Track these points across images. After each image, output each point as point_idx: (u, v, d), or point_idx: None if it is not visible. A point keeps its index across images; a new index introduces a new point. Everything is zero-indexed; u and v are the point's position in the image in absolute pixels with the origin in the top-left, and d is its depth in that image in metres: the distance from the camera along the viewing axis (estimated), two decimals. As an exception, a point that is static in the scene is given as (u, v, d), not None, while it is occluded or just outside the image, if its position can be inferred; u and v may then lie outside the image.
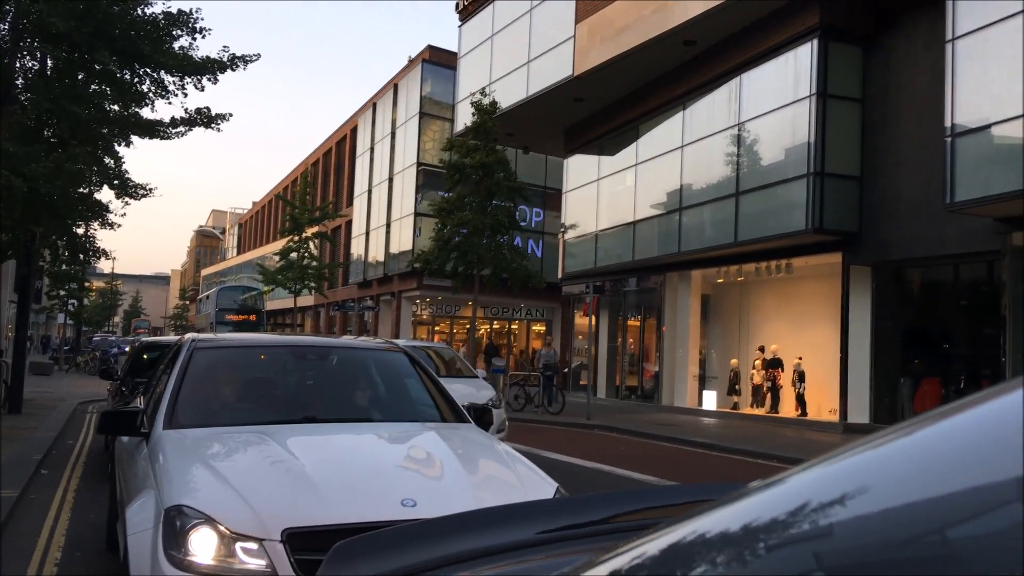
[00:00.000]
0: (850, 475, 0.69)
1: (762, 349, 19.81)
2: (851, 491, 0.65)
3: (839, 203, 16.32)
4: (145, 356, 11.53)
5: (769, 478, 0.78)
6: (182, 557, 3.03)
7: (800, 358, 18.55)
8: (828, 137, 16.21)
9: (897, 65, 15.98)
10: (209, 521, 3.09)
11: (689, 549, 0.74)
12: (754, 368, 20.13)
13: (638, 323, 24.52)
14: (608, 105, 23.06)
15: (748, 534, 0.69)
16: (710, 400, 20.98)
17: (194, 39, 13.07)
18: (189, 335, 5.46)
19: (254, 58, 13.63)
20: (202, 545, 3.05)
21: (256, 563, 3.03)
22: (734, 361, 21.10)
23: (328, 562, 1.47)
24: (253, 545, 3.05)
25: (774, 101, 17.25)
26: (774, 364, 19.38)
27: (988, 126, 12.60)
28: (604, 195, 23.84)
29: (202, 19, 13.07)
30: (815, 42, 16.24)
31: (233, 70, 13.38)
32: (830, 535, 0.63)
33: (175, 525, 3.11)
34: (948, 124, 13.02)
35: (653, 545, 0.78)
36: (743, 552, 0.68)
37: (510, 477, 3.88)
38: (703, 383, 21.67)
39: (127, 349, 34.67)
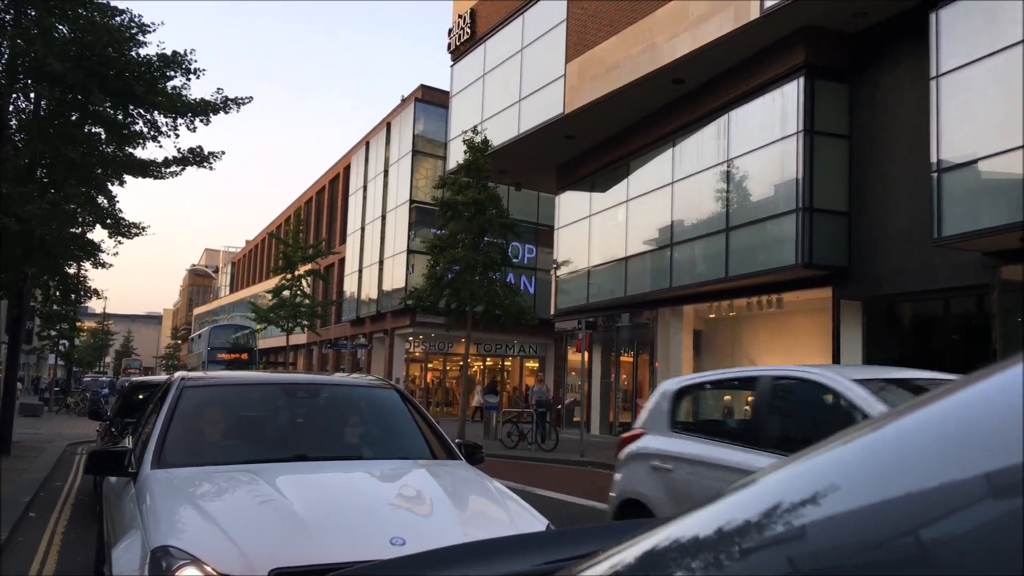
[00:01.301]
0: (821, 473, 0.68)
1: (755, 384, 19.74)
2: (822, 490, 0.64)
3: (828, 238, 16.41)
4: (140, 396, 11.45)
5: (744, 479, 0.78)
6: (168, 598, 2.99)
7: (793, 393, 18.48)
8: (816, 173, 16.36)
9: (882, 101, 16.20)
10: (196, 562, 3.05)
11: (663, 556, 0.73)
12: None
13: (631, 359, 24.46)
14: (599, 142, 23.28)
15: (721, 538, 0.68)
16: (704, 436, 20.80)
17: (188, 80, 13.18)
18: (179, 373, 5.42)
19: (246, 101, 13.74)
20: (188, 585, 3.01)
21: (244, 603, 3.00)
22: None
23: None
24: (241, 585, 3.02)
25: (762, 138, 17.44)
26: (768, 399, 19.26)
27: (974, 161, 12.75)
28: (596, 231, 23.94)
29: (195, 61, 13.18)
30: (801, 80, 16.47)
31: (226, 112, 13.47)
32: (802, 537, 0.62)
33: (161, 566, 3.07)
34: (934, 160, 13.18)
35: (629, 553, 0.77)
36: (718, 556, 0.67)
37: (501, 515, 3.84)
38: (697, 418, 21.52)
39: (105, 391, 34.58)
